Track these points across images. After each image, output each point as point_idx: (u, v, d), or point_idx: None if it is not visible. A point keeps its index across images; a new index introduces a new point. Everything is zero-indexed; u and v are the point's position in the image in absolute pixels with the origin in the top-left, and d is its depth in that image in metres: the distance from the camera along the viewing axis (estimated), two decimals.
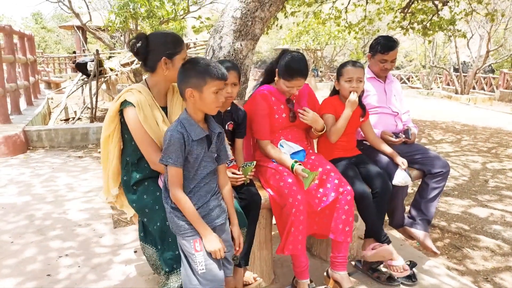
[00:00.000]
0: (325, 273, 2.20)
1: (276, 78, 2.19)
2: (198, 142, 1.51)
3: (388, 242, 2.15)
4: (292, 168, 1.98)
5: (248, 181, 1.95)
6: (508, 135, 7.99)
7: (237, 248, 1.70)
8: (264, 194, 2.03)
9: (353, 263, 2.39)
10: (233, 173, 1.89)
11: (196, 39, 11.71)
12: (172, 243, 1.62)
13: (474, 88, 17.14)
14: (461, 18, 6.83)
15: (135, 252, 2.54)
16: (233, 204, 1.68)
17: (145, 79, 1.83)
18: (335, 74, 2.35)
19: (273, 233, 2.20)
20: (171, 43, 1.72)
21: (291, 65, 2.06)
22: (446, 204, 3.97)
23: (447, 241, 3.16)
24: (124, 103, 1.71)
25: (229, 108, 2.12)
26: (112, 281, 2.20)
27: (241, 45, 3.65)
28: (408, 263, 2.34)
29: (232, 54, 3.72)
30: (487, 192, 4.35)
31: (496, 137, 7.78)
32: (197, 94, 1.48)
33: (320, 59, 22.86)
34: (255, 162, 1.97)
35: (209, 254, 1.52)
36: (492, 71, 18.81)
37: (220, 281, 1.54)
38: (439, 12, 6.73)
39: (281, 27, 8.16)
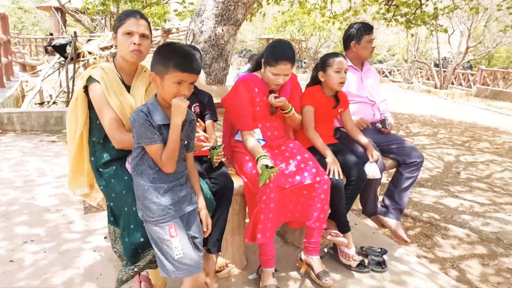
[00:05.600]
0: (298, 257, 2.22)
1: (262, 70, 2.12)
2: (166, 127, 1.48)
3: (347, 230, 2.19)
4: (257, 160, 1.94)
5: (217, 164, 1.92)
6: (481, 130, 8.23)
7: (205, 229, 1.67)
8: (239, 181, 2.00)
9: (325, 249, 2.42)
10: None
11: (179, 24, 11.45)
12: (138, 229, 1.58)
13: (452, 83, 17.55)
14: (443, 14, 6.92)
15: (105, 238, 2.48)
16: (199, 187, 1.67)
17: (113, 59, 1.79)
18: (318, 64, 2.33)
19: (246, 220, 2.19)
20: (118, 16, 1.72)
21: (276, 49, 2.00)
22: (419, 195, 4.06)
23: (418, 230, 3.23)
24: (90, 80, 1.68)
25: (192, 90, 2.10)
26: (79, 267, 2.14)
27: (222, 30, 3.58)
28: (379, 250, 2.38)
29: (213, 39, 3.65)
30: (459, 183, 4.47)
31: (470, 131, 8.00)
32: (159, 80, 1.45)
33: (305, 50, 22.85)
34: (222, 146, 1.94)
35: (185, 238, 1.49)
36: (470, 68, 19.27)
37: (198, 263, 1.53)
38: (423, 6, 6.81)
39: (264, 15, 8.08)
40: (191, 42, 3.77)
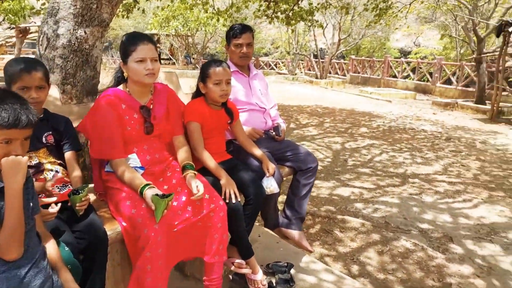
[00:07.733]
0: None
1: (125, 74, 1.78)
2: None
3: (251, 255, 2.01)
4: (141, 193, 1.61)
5: (82, 213, 1.50)
6: (359, 115, 9.13)
7: None
8: (115, 225, 1.62)
9: (230, 276, 2.21)
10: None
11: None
12: None
13: (330, 72, 19.30)
14: (318, 9, 7.39)
15: None
16: (61, 261, 1.27)
17: None
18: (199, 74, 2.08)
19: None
20: None
21: (130, 35, 1.79)
22: (315, 188, 4.17)
23: (318, 227, 3.28)
24: None
25: (41, 116, 1.64)
26: None
27: (85, 32, 3.02)
28: (285, 265, 2.28)
29: (75, 44, 3.07)
30: (347, 171, 4.77)
31: (351, 117, 8.80)
32: None
33: (192, 45, 22.38)
34: (87, 186, 1.53)
35: None
36: (343, 57, 21.47)
37: None
38: (299, 3, 7.13)
39: (143, 11, 7.50)
40: (45, 48, 3.12)
